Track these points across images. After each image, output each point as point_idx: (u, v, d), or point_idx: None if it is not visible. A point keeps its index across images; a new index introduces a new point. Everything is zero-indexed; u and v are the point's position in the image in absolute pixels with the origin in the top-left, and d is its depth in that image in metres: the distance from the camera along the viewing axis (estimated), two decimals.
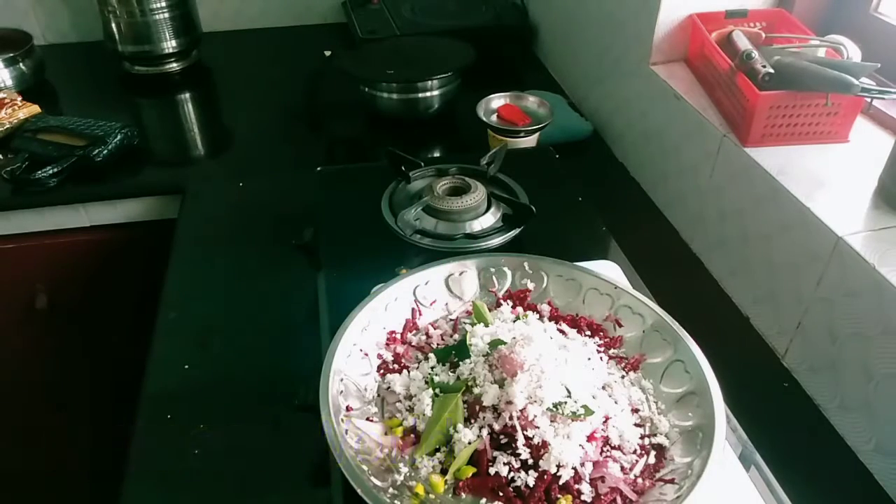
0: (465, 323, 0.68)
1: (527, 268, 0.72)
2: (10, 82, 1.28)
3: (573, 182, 0.97)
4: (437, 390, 0.58)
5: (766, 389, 0.75)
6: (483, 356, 0.60)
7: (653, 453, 0.57)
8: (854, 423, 0.67)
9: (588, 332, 0.68)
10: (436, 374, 0.61)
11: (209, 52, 1.50)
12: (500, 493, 0.53)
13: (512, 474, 0.53)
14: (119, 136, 1.09)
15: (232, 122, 1.32)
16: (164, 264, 0.87)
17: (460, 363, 0.60)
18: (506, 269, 0.73)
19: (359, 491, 0.49)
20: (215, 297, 0.82)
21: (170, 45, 1.37)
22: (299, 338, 0.74)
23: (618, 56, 1.12)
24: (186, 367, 0.71)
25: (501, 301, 0.71)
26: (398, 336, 0.67)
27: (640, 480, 0.54)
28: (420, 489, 0.53)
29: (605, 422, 0.57)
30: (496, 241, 0.84)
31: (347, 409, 0.57)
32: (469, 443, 0.54)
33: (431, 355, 0.63)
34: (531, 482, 0.52)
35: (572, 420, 0.54)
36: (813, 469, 0.66)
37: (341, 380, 0.59)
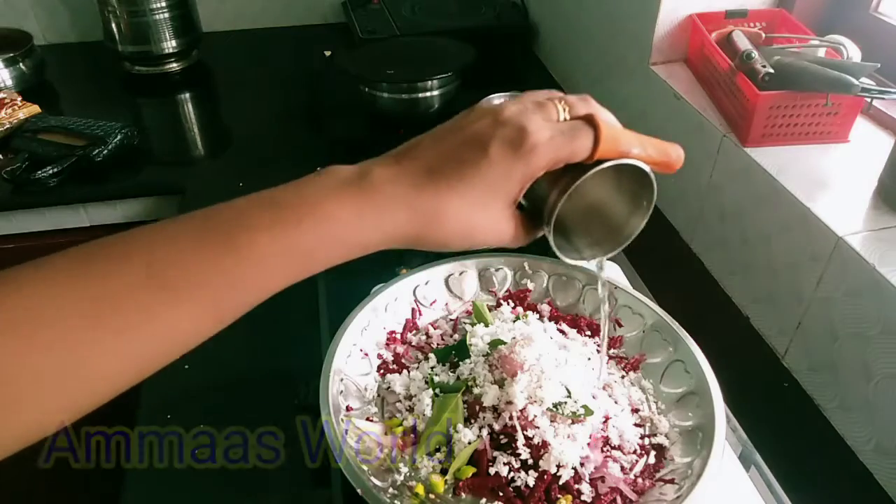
0: (465, 323, 0.68)
1: (527, 268, 0.72)
2: (10, 82, 1.28)
3: None
4: (437, 390, 0.58)
5: (766, 389, 0.75)
6: (483, 356, 0.60)
7: (653, 453, 0.57)
8: (854, 423, 0.67)
9: (588, 332, 0.68)
10: (436, 374, 0.61)
11: (209, 52, 1.50)
12: (500, 493, 0.53)
13: (512, 474, 0.53)
14: (119, 136, 1.09)
15: (232, 122, 1.32)
16: None
17: (460, 363, 0.61)
18: (506, 269, 0.73)
19: (359, 491, 0.49)
20: None
21: (170, 45, 1.37)
22: (299, 338, 0.74)
23: (618, 56, 1.12)
24: (186, 367, 0.71)
25: (501, 301, 0.71)
26: (398, 336, 0.67)
27: (640, 480, 0.54)
28: (420, 489, 0.53)
29: (605, 422, 0.57)
30: None
31: (347, 409, 0.57)
32: (469, 443, 0.54)
33: (431, 355, 0.63)
34: (531, 482, 0.52)
35: (572, 420, 0.54)
36: (813, 469, 0.66)
37: (341, 380, 0.59)
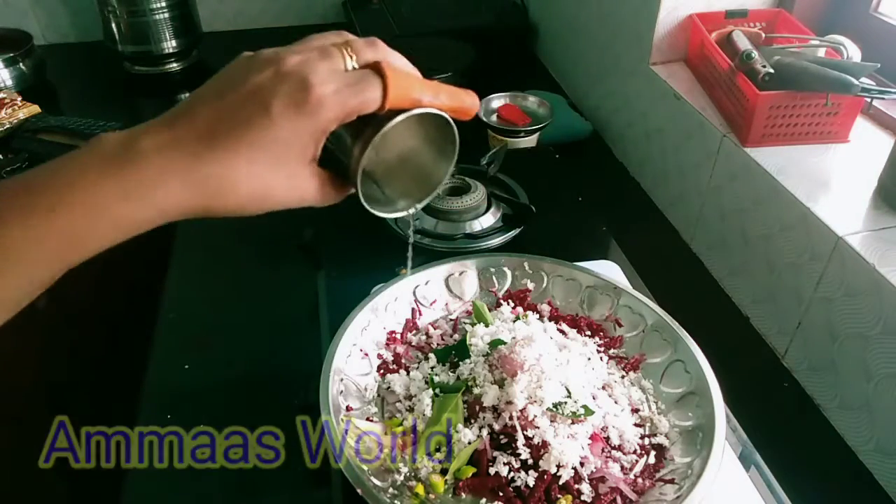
0: (465, 323, 0.68)
1: (527, 268, 0.72)
2: (10, 82, 1.28)
3: (573, 182, 0.97)
4: (437, 390, 0.59)
5: (766, 389, 0.75)
6: (483, 356, 0.60)
7: (653, 453, 0.57)
8: (854, 423, 0.67)
9: (588, 332, 0.68)
10: (436, 374, 0.61)
11: (209, 52, 1.50)
12: (500, 493, 0.53)
13: (512, 474, 0.53)
14: None
15: None
16: (164, 264, 0.87)
17: (460, 363, 0.61)
18: (506, 269, 0.73)
19: (359, 491, 0.49)
20: (215, 297, 0.82)
21: (170, 45, 1.37)
22: (299, 338, 0.74)
23: (618, 56, 1.12)
24: (186, 367, 0.71)
25: (501, 301, 0.71)
26: (398, 336, 0.67)
27: (640, 480, 0.54)
28: (420, 489, 0.53)
29: (604, 421, 0.57)
30: (496, 241, 0.84)
31: (347, 409, 0.57)
32: (469, 443, 0.54)
33: (431, 355, 0.63)
34: (531, 482, 0.52)
35: (572, 420, 0.54)
36: (813, 469, 0.66)
37: (341, 380, 0.59)
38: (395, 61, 0.39)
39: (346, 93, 0.35)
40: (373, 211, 0.42)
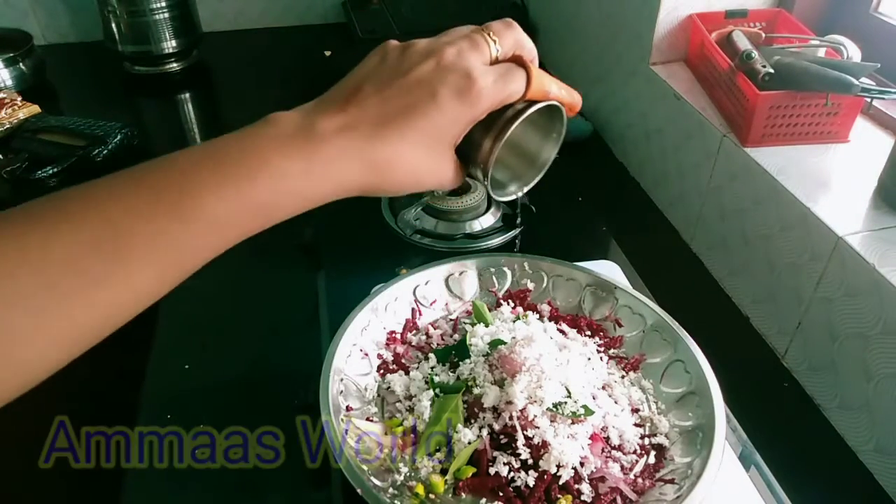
0: (465, 323, 0.68)
1: (527, 268, 0.72)
2: (10, 82, 1.28)
3: (573, 182, 0.97)
4: (437, 390, 0.59)
5: (766, 389, 0.75)
6: (483, 356, 0.60)
7: (653, 453, 0.57)
8: (854, 423, 0.67)
9: (588, 332, 0.68)
10: (436, 374, 0.61)
11: (209, 52, 1.50)
12: (500, 493, 0.53)
13: (512, 474, 0.53)
14: (119, 137, 1.09)
15: (232, 122, 1.31)
16: None
17: (460, 363, 0.61)
18: (506, 269, 0.73)
19: (359, 491, 0.49)
20: (215, 297, 0.82)
21: (170, 45, 1.37)
22: (299, 338, 0.74)
23: (617, 56, 1.12)
24: (186, 367, 0.71)
25: (501, 301, 0.71)
26: (398, 336, 0.67)
27: (640, 480, 0.54)
28: (420, 489, 0.53)
29: (604, 422, 0.57)
30: (496, 241, 0.84)
31: (347, 409, 0.57)
32: (469, 443, 0.54)
33: (431, 355, 0.63)
34: (531, 482, 0.52)
35: (572, 420, 0.54)
36: (813, 469, 0.66)
37: (341, 380, 0.59)
38: (523, 39, 0.42)
39: (500, 84, 0.39)
40: (496, 196, 0.46)
